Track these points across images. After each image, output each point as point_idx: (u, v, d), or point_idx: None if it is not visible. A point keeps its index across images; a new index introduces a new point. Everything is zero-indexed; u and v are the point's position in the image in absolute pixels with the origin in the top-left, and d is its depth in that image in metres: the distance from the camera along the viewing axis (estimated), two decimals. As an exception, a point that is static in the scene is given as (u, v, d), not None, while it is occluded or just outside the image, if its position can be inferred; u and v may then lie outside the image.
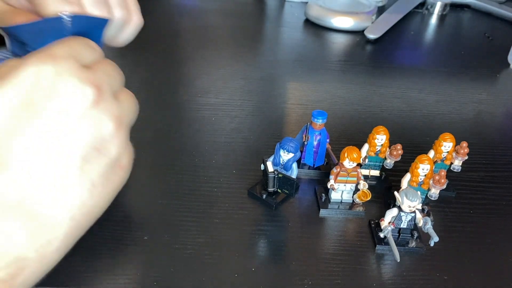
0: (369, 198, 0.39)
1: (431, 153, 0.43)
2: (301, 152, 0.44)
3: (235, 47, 0.72)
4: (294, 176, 0.40)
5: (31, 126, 0.23)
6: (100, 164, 0.26)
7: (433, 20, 0.91)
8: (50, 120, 0.23)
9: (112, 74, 0.27)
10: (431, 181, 0.41)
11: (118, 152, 0.27)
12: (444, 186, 0.41)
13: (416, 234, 0.38)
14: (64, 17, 0.28)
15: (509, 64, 0.72)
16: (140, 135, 0.49)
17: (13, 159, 0.22)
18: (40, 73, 0.23)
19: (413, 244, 0.37)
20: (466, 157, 0.43)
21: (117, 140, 0.27)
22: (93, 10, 0.30)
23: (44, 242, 0.23)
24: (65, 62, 0.24)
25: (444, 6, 0.92)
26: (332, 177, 0.40)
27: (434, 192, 0.42)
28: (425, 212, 0.40)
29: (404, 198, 0.35)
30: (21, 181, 0.22)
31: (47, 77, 0.23)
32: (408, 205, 0.36)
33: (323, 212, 0.40)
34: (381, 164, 0.44)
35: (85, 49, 0.27)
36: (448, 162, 0.43)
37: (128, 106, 0.28)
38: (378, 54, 0.74)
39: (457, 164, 0.44)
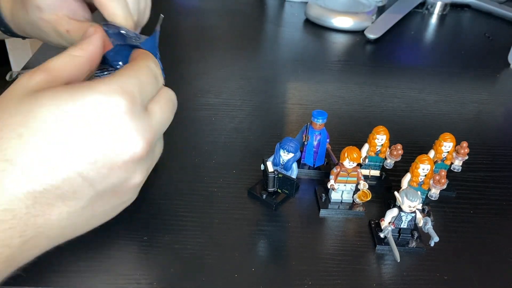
0: (369, 198, 0.39)
1: (431, 153, 0.43)
2: (301, 152, 0.44)
3: (235, 47, 0.72)
4: (294, 176, 0.40)
5: (73, 139, 0.24)
6: (104, 203, 0.28)
7: (433, 20, 0.91)
8: (90, 144, 0.25)
9: (166, 119, 0.30)
10: (431, 181, 0.41)
11: (129, 196, 0.30)
12: (444, 186, 0.41)
13: (416, 234, 0.38)
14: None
15: (509, 64, 0.72)
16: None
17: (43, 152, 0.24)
18: (104, 104, 0.25)
19: (413, 244, 0.37)
20: (466, 157, 0.43)
21: (133, 193, 0.30)
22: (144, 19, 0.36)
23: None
24: (136, 107, 0.26)
25: (444, 6, 0.92)
26: (332, 177, 0.40)
27: (434, 192, 0.42)
28: (425, 212, 0.40)
29: (404, 198, 0.35)
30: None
31: (108, 111, 0.25)
32: (408, 205, 0.36)
33: (323, 212, 0.40)
34: (381, 164, 0.44)
35: (151, 83, 0.28)
36: (448, 162, 0.43)
37: (157, 154, 0.31)
38: (378, 54, 0.74)
39: (457, 164, 0.44)
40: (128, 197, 0.30)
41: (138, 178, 0.28)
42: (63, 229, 0.26)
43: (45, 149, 0.24)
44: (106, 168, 0.25)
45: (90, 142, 0.25)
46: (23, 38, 0.47)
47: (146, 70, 0.28)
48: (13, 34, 0.46)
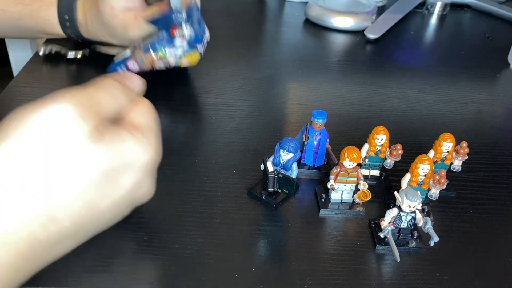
0: (369, 198, 0.39)
1: (431, 153, 0.43)
2: (301, 152, 0.44)
3: (235, 47, 0.72)
4: (294, 176, 0.40)
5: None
6: (112, 215, 0.30)
7: (433, 20, 0.91)
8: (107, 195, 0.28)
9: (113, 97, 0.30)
10: (431, 181, 0.41)
11: (139, 199, 0.32)
12: (444, 186, 0.41)
13: (416, 234, 0.38)
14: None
15: (509, 64, 0.72)
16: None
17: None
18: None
19: (413, 244, 0.37)
20: (466, 157, 0.43)
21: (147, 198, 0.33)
22: None
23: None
24: (84, 126, 0.26)
25: (444, 6, 0.92)
26: (332, 177, 0.40)
27: (434, 192, 0.42)
28: (425, 212, 0.40)
29: (404, 198, 0.35)
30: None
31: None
32: (408, 205, 0.36)
33: (323, 212, 0.40)
34: (381, 164, 0.44)
35: (113, 99, 0.30)
36: (448, 162, 0.43)
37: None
38: (378, 54, 0.74)
39: (457, 164, 0.44)
40: (132, 206, 0.32)
41: (145, 188, 0.32)
42: (67, 239, 0.28)
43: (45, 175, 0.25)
44: (113, 183, 0.28)
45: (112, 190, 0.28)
46: (86, 41, 0.58)
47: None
48: (79, 37, 0.56)
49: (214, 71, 0.62)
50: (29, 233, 0.25)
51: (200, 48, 0.51)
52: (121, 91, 0.30)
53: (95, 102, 0.27)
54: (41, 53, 0.60)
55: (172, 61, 0.51)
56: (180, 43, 0.49)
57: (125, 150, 0.27)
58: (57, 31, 0.55)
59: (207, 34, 0.54)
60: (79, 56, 0.59)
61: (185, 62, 0.51)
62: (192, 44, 0.50)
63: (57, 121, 0.25)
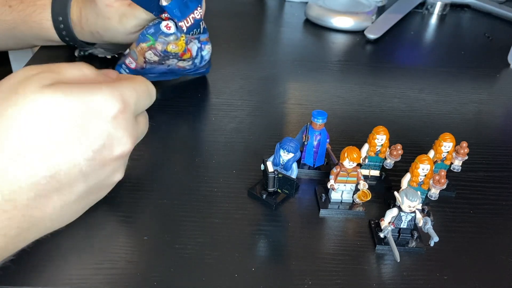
0: (369, 198, 0.39)
1: (431, 153, 0.43)
2: (301, 152, 0.44)
3: (235, 47, 0.72)
4: (294, 176, 0.40)
5: (68, 134, 0.26)
6: (89, 198, 0.30)
7: (433, 20, 0.91)
8: (83, 143, 0.26)
9: (145, 130, 0.34)
10: (431, 181, 0.41)
11: (106, 192, 0.32)
12: (444, 186, 0.41)
13: (416, 234, 0.38)
14: None
15: (509, 64, 0.72)
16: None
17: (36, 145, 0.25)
18: (103, 106, 0.27)
19: (413, 244, 0.37)
20: (466, 157, 0.43)
21: (110, 188, 0.32)
22: None
23: None
24: (128, 112, 0.29)
25: (444, 6, 0.92)
26: (332, 177, 0.40)
27: (434, 192, 0.42)
28: (425, 212, 0.40)
29: (404, 198, 0.35)
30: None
31: (107, 113, 0.27)
32: (408, 205, 0.36)
33: (323, 212, 0.40)
34: (381, 164, 0.44)
35: (145, 99, 0.32)
36: (448, 162, 0.43)
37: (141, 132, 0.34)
38: (378, 54, 0.74)
39: (457, 164, 0.44)
40: (105, 193, 0.32)
41: (120, 175, 0.31)
42: (53, 222, 0.28)
43: (50, 142, 0.25)
44: (100, 163, 0.28)
45: (88, 138, 0.26)
46: (80, 45, 0.58)
47: (144, 88, 0.32)
48: (73, 40, 0.56)
49: (214, 71, 0.62)
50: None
51: (184, 24, 0.49)
52: (153, 94, 0.33)
53: (138, 103, 0.30)
54: (76, 54, 0.61)
55: (159, 47, 0.49)
56: (167, 29, 0.49)
57: (90, 96, 0.27)
58: (51, 35, 0.54)
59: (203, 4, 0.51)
60: (109, 56, 0.61)
61: (173, 48, 0.50)
62: (179, 28, 0.49)
63: (107, 114, 0.27)
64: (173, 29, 0.49)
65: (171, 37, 0.49)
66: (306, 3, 0.84)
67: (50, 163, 0.25)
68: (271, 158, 0.40)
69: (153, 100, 0.34)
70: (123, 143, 0.29)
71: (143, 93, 0.31)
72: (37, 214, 0.26)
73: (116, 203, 0.40)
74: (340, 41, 0.78)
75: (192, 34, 0.51)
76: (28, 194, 0.25)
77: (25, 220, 0.25)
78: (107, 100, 0.27)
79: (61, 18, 0.52)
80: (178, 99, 0.56)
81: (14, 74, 0.27)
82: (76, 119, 0.26)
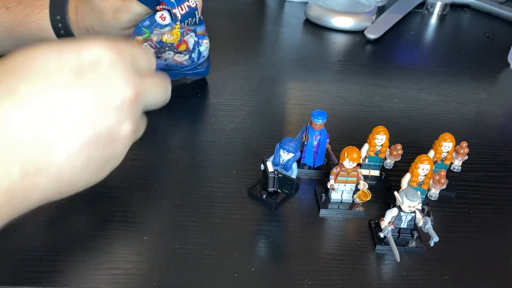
0: (369, 198, 0.39)
1: (431, 153, 0.43)
2: (301, 152, 0.44)
3: (235, 47, 0.72)
4: (294, 176, 0.40)
5: (66, 84, 0.27)
6: (99, 150, 0.29)
7: (433, 20, 0.91)
8: (83, 89, 0.27)
9: (155, 92, 0.33)
10: (431, 181, 0.41)
11: (121, 149, 0.31)
12: (444, 186, 0.41)
13: (416, 234, 0.38)
14: None
15: (509, 64, 0.72)
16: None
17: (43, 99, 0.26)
18: (102, 55, 0.28)
19: (413, 244, 0.37)
20: (466, 157, 0.43)
21: (124, 145, 0.31)
22: None
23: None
24: (124, 59, 0.29)
25: (444, 6, 0.92)
26: (332, 177, 0.40)
27: (434, 192, 0.42)
28: (425, 212, 0.40)
29: (404, 198, 0.35)
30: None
31: (104, 61, 0.28)
32: (408, 205, 0.36)
33: (323, 212, 0.40)
34: (381, 164, 0.44)
35: (143, 58, 0.32)
36: (448, 162, 0.43)
37: (142, 126, 0.35)
38: (378, 54, 0.74)
39: (457, 164, 0.44)
40: (118, 149, 0.31)
41: (128, 127, 0.30)
42: (61, 170, 0.27)
43: (50, 90, 0.26)
44: (102, 109, 0.28)
45: (88, 85, 0.27)
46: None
47: (140, 47, 0.33)
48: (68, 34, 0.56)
49: (214, 71, 0.62)
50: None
51: (178, 12, 0.49)
52: (152, 60, 0.34)
53: (134, 56, 0.31)
54: None
55: (154, 38, 0.49)
56: (162, 20, 0.48)
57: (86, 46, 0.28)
58: (49, 34, 0.54)
59: None
60: None
61: (168, 38, 0.50)
62: (173, 15, 0.48)
63: (105, 63, 0.28)
64: (168, 20, 0.49)
65: (166, 29, 0.49)
66: (306, 3, 0.84)
67: (51, 108, 0.26)
68: (271, 158, 0.40)
69: (154, 66, 0.34)
70: (123, 90, 0.29)
71: (139, 51, 0.32)
72: (41, 158, 0.25)
73: (116, 203, 0.40)
74: (340, 41, 0.78)
75: (188, 25, 0.51)
76: (29, 135, 0.25)
77: (29, 160, 0.25)
78: (101, 51, 0.28)
79: (59, 17, 0.53)
80: (178, 99, 0.56)
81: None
82: (72, 65, 0.27)
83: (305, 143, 0.43)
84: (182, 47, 0.52)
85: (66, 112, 0.26)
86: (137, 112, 0.31)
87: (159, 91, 0.34)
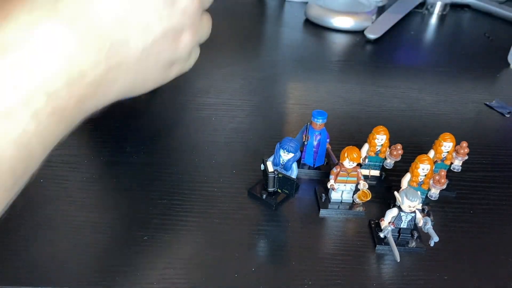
0: (369, 198, 0.39)
1: (431, 153, 0.43)
2: (301, 152, 0.44)
3: (235, 47, 0.72)
4: (294, 176, 0.40)
5: None
6: (165, 47, 0.28)
7: (433, 20, 0.91)
8: None
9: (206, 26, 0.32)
10: (431, 181, 0.41)
11: (182, 53, 0.30)
12: (444, 186, 0.41)
13: (416, 234, 0.38)
14: None
15: (509, 64, 0.72)
16: (140, 134, 0.49)
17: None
18: None
19: (413, 244, 0.37)
20: (466, 157, 0.43)
21: (188, 47, 0.30)
22: None
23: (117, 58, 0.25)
24: None
25: (444, 6, 0.92)
26: (332, 177, 0.40)
27: (434, 192, 0.42)
28: (425, 212, 0.40)
29: (404, 198, 0.35)
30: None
31: None
32: (408, 205, 0.36)
33: (323, 212, 0.40)
34: (381, 164, 0.44)
35: None
36: (448, 162, 0.43)
37: (205, 27, 0.33)
38: (378, 54, 0.74)
39: (457, 164, 0.44)
40: (179, 55, 0.30)
41: (189, 35, 0.30)
42: (138, 64, 0.27)
43: None
44: (171, 7, 0.27)
45: None
46: None
47: None
48: None
49: (214, 71, 0.62)
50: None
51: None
52: None
53: None
54: None
55: None
56: None
57: None
58: None
59: None
60: None
61: None
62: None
63: None
64: None
65: None
66: (306, 3, 0.84)
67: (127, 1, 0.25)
68: (271, 158, 0.40)
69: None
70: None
71: None
72: (122, 50, 0.26)
73: (116, 203, 0.40)
74: (340, 41, 0.78)
75: None
76: (110, 24, 0.24)
77: (112, 54, 0.25)
78: None
79: None
80: (178, 99, 0.56)
81: None
82: None
83: (305, 143, 0.43)
84: None
85: (140, 6, 0.26)
86: (198, 19, 0.31)
87: (207, 28, 0.33)
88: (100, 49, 0.24)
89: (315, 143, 0.44)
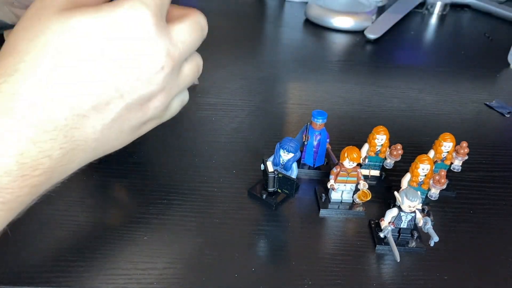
0: (369, 198, 0.39)
1: (431, 153, 0.43)
2: (301, 152, 0.44)
3: (235, 47, 0.72)
4: (294, 176, 0.40)
5: (100, 48, 0.25)
6: (130, 119, 0.28)
7: (433, 20, 0.91)
8: (117, 54, 0.25)
9: (191, 41, 0.30)
10: (431, 181, 0.41)
11: (153, 114, 0.30)
12: (444, 186, 0.41)
13: (416, 234, 0.38)
14: None
15: (509, 64, 0.72)
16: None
17: (78, 66, 0.24)
18: (131, 17, 0.25)
19: (413, 244, 0.37)
20: (466, 157, 0.43)
21: (157, 106, 0.29)
22: None
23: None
24: (153, 15, 0.26)
25: (444, 6, 0.92)
26: (332, 177, 0.40)
27: (434, 192, 0.42)
28: (425, 212, 0.40)
29: (404, 198, 0.35)
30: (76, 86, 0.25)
31: (135, 23, 0.25)
32: (408, 205, 0.36)
33: (323, 212, 0.40)
34: (381, 164, 0.44)
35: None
36: (448, 162, 0.43)
37: (186, 79, 0.32)
38: (378, 54, 0.74)
39: (457, 164, 0.44)
40: (150, 117, 0.30)
41: (161, 97, 0.29)
42: (97, 142, 0.27)
43: (81, 64, 0.25)
44: (135, 80, 0.26)
45: (121, 55, 0.25)
46: None
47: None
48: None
49: (214, 71, 0.62)
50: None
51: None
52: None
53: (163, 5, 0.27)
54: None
55: None
56: None
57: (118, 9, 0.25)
58: None
59: None
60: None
61: None
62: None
63: (136, 26, 0.26)
64: None
65: None
66: (306, 3, 0.84)
67: (83, 83, 0.25)
68: (271, 158, 0.40)
69: (202, 37, 0.32)
70: (159, 58, 0.26)
71: (192, 35, 0.29)
72: (78, 134, 0.25)
73: (116, 203, 0.40)
74: (340, 41, 0.78)
75: None
76: (64, 114, 0.24)
77: (67, 140, 0.25)
78: (130, 13, 0.25)
79: None
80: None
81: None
82: (105, 36, 0.25)
83: (305, 143, 0.43)
84: None
85: (98, 90, 0.25)
86: (175, 84, 0.29)
87: (195, 38, 0.31)
88: (54, 140, 0.24)
89: (315, 143, 0.44)
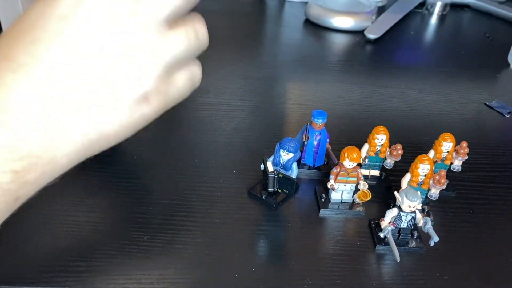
0: (369, 198, 0.39)
1: (431, 153, 0.43)
2: (301, 152, 0.44)
3: (235, 47, 0.72)
4: (294, 176, 0.40)
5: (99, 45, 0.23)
6: (130, 107, 0.26)
7: (433, 20, 0.91)
8: (115, 41, 0.24)
9: (184, 51, 0.28)
10: (431, 181, 0.41)
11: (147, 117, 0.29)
12: (444, 186, 0.41)
13: (416, 234, 0.38)
14: None
15: (509, 64, 0.72)
16: (140, 134, 0.49)
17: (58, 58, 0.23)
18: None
19: (413, 244, 0.37)
20: (466, 157, 0.43)
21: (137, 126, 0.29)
22: None
23: (56, 145, 0.24)
24: (159, 15, 0.25)
25: (444, 6, 0.92)
26: (332, 177, 0.40)
27: (434, 192, 0.42)
28: (425, 212, 0.40)
29: (404, 198, 0.35)
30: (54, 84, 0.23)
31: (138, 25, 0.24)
32: (408, 205, 0.36)
33: (323, 212, 0.40)
34: (381, 164, 0.44)
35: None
36: (448, 162, 0.43)
37: (179, 88, 0.30)
38: (378, 54, 0.74)
39: (457, 164, 0.44)
40: (133, 131, 0.29)
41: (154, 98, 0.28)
42: (69, 160, 0.26)
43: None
44: (112, 103, 0.25)
45: (98, 75, 0.24)
46: None
47: None
48: None
49: (214, 71, 0.62)
50: None
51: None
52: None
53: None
54: None
55: None
56: None
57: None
58: None
59: None
60: None
61: None
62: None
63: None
64: None
65: None
66: (306, 3, 0.84)
67: (53, 96, 0.23)
68: (271, 158, 0.40)
69: (203, 44, 0.29)
70: (139, 83, 0.25)
71: (190, 39, 0.27)
72: (44, 155, 0.24)
73: (116, 203, 0.40)
74: (340, 41, 0.78)
75: None
76: (36, 141, 0.23)
77: (29, 165, 0.23)
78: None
79: None
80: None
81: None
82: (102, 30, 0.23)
83: (305, 143, 0.43)
84: None
85: (95, 82, 0.24)
86: (160, 96, 0.28)
87: (182, 90, 0.30)
88: (16, 172, 0.23)
89: (315, 143, 0.44)
